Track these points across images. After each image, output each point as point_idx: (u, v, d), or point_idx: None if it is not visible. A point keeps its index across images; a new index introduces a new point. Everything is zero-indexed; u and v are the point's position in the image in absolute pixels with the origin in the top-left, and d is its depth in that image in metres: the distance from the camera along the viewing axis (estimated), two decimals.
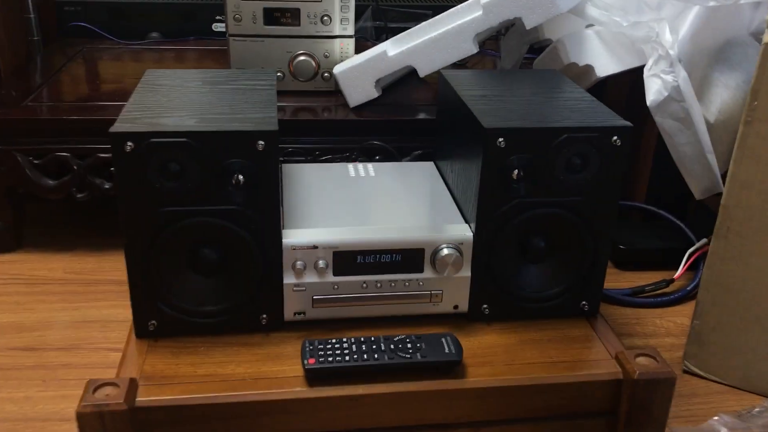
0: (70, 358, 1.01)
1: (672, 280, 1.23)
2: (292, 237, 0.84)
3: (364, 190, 0.98)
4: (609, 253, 0.89)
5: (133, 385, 0.75)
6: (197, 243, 0.81)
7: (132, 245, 0.80)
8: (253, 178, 0.79)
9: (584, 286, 0.90)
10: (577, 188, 0.85)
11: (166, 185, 0.77)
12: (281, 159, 1.20)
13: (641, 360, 0.83)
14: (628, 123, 0.84)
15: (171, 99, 0.86)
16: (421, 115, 1.28)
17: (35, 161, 1.18)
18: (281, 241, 0.83)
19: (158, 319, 0.83)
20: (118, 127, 0.76)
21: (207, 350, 0.83)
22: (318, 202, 0.93)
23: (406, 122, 1.26)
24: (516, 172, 0.83)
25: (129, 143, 0.75)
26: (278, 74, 1.30)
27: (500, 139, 0.81)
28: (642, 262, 1.30)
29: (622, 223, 1.37)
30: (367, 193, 0.97)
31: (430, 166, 1.07)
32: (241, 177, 0.78)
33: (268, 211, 0.80)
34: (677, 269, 1.25)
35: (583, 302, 0.91)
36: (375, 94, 1.25)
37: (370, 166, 1.05)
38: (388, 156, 1.21)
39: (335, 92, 1.32)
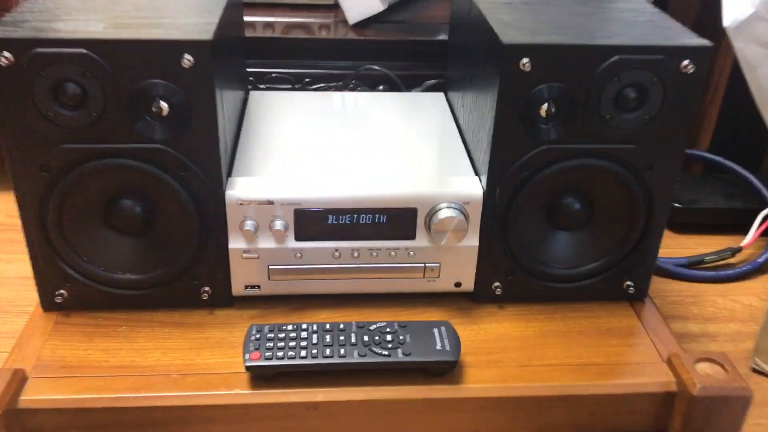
0: None
1: (739, 249, 1.00)
2: (239, 188, 0.63)
3: (348, 127, 0.76)
4: (665, 220, 0.67)
5: (16, 378, 0.57)
6: (113, 193, 0.61)
7: (24, 193, 0.60)
8: (180, 105, 0.57)
9: (630, 262, 0.68)
10: (629, 132, 0.62)
11: (62, 115, 0.57)
12: (263, 86, 0.98)
13: (703, 367, 0.61)
14: (705, 41, 0.60)
15: None
16: (439, 36, 1.04)
17: None
18: (223, 193, 0.62)
19: (68, 288, 0.64)
20: None
21: (129, 331, 0.64)
22: (283, 143, 0.72)
23: (417, 44, 1.02)
24: (545, 107, 0.60)
25: (5, 55, 0.54)
26: None
27: (524, 60, 0.58)
28: (702, 224, 1.06)
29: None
30: (350, 132, 0.75)
31: (439, 98, 0.85)
32: (163, 104, 0.57)
33: (203, 151, 0.60)
34: (745, 235, 1.01)
35: (628, 282, 0.69)
36: (380, 7, 1.01)
37: (361, 96, 0.83)
38: (393, 86, 0.99)
39: (333, 6, 1.09)
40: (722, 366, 0.61)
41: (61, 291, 0.64)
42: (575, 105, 0.60)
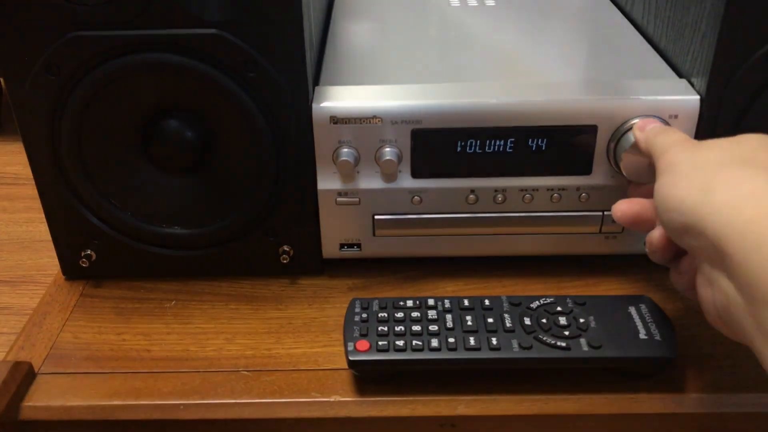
0: (15, 298, 0.66)
1: None
2: (332, 99, 0.43)
3: (476, 26, 0.55)
4: None
5: (19, 374, 0.39)
6: (152, 108, 0.42)
7: (26, 111, 0.42)
8: None
9: None
10: None
11: None
12: None
13: None
14: None
15: None
16: None
17: None
18: (310, 107, 0.42)
19: (96, 247, 0.46)
20: None
21: (180, 308, 0.46)
22: (389, 46, 0.52)
23: None
24: None
25: None
26: None
27: None
28: None
29: None
30: (480, 29, 0.54)
31: None
32: None
33: (279, 40, 0.40)
34: None
35: None
36: None
37: None
38: None
39: None
40: None
41: (88, 251, 0.46)
42: None
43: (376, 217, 0.45)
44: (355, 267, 0.48)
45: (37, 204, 0.47)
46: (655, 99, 0.42)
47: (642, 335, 0.39)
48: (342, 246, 0.47)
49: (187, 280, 0.47)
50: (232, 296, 0.46)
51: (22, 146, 0.43)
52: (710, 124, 0.42)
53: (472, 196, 0.45)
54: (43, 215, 0.47)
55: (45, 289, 0.51)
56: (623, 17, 0.55)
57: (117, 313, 0.45)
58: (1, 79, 0.86)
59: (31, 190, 0.59)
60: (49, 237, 0.48)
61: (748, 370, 0.40)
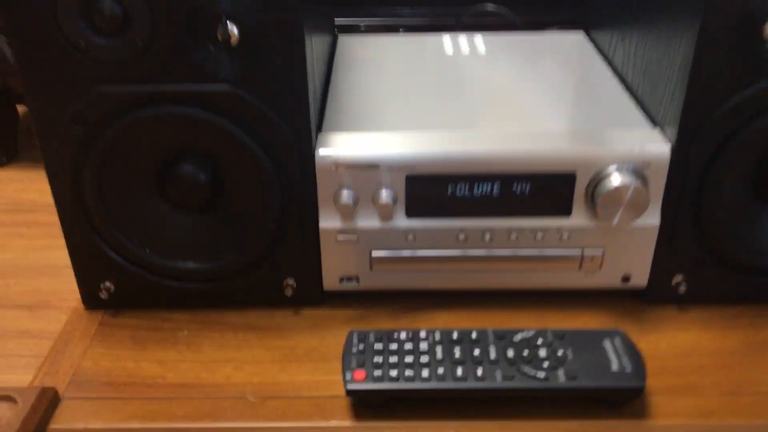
0: (33, 322, 0.69)
1: None
2: (334, 146, 0.47)
3: (467, 73, 0.59)
4: None
5: (45, 399, 0.43)
6: (168, 154, 0.46)
7: (53, 156, 0.45)
8: (255, 31, 0.42)
9: None
10: None
11: (97, 44, 0.42)
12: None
13: None
14: None
15: None
16: None
17: None
18: (313, 154, 0.46)
19: (114, 280, 0.50)
20: None
21: (192, 336, 0.49)
22: (387, 94, 0.55)
23: None
24: None
25: None
26: None
27: None
28: None
29: None
30: (472, 79, 0.58)
31: (578, 38, 0.66)
32: (232, 28, 0.41)
33: (286, 94, 0.44)
34: None
35: None
36: None
37: (478, 37, 0.66)
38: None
39: None
40: None
41: (107, 284, 0.50)
42: None
43: (374, 253, 0.49)
44: (354, 298, 0.52)
45: (54, 230, 0.51)
46: (630, 148, 0.46)
47: (614, 367, 0.42)
48: (341, 279, 0.50)
49: (199, 310, 0.51)
50: (240, 326, 0.50)
51: (39, 173, 0.47)
52: (680, 172, 0.46)
53: (461, 235, 0.48)
54: (59, 241, 0.50)
55: (62, 314, 0.55)
56: (606, 65, 0.59)
57: (134, 342, 0.49)
58: (18, 108, 0.90)
59: (48, 217, 0.62)
60: (64, 263, 0.52)
61: (713, 398, 0.44)
